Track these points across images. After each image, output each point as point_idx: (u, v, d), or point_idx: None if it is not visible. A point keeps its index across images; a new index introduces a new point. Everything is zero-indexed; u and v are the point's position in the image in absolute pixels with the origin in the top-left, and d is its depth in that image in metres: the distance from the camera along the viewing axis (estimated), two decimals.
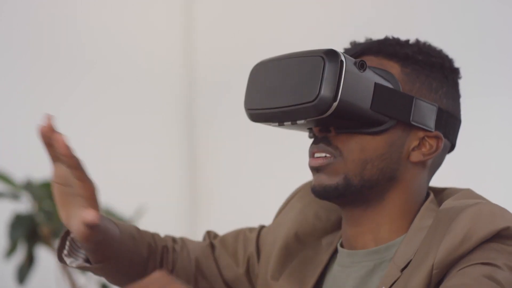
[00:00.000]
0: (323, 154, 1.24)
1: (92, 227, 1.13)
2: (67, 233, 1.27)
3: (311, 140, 1.28)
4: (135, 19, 2.98)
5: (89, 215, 1.11)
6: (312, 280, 1.30)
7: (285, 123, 1.24)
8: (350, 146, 1.23)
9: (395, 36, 1.30)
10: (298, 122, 1.22)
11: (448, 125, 1.27)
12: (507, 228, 1.14)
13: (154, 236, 1.39)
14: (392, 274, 1.18)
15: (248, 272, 1.40)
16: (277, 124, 1.25)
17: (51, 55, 2.76)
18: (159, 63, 3.04)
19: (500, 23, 2.19)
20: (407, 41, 1.30)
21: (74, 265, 1.26)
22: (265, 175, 2.79)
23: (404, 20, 2.37)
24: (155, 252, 1.36)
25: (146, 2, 3.03)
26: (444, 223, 1.16)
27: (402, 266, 1.18)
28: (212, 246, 1.42)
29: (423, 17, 2.36)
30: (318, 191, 1.25)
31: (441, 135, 1.26)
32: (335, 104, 1.17)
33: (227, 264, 1.40)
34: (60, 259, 1.27)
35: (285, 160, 2.49)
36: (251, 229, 1.44)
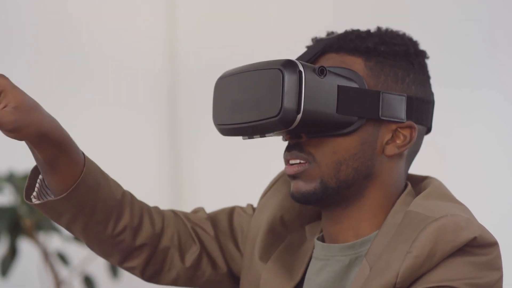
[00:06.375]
0: (297, 161, 1.24)
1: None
2: (35, 173, 1.23)
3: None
4: (119, 17, 2.97)
5: None
6: (300, 271, 1.30)
7: (255, 136, 1.24)
8: (322, 150, 1.22)
9: (359, 28, 1.28)
10: (267, 135, 1.22)
11: (420, 111, 1.26)
12: (474, 239, 1.13)
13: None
14: (364, 270, 1.18)
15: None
16: (247, 137, 1.26)
17: (35, 50, 2.75)
18: (143, 58, 3.03)
19: (488, 15, 2.19)
20: (368, 32, 1.28)
21: (38, 202, 1.20)
22: (248, 168, 2.79)
23: (388, 15, 2.37)
24: (134, 203, 1.29)
25: (130, 1, 3.03)
26: (409, 230, 1.16)
27: (372, 263, 1.17)
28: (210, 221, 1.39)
29: (413, 12, 2.36)
30: (297, 198, 1.25)
31: (413, 124, 1.24)
32: (299, 115, 1.17)
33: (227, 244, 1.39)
34: (28, 199, 1.22)
35: (268, 153, 2.50)
36: (243, 208, 1.42)
